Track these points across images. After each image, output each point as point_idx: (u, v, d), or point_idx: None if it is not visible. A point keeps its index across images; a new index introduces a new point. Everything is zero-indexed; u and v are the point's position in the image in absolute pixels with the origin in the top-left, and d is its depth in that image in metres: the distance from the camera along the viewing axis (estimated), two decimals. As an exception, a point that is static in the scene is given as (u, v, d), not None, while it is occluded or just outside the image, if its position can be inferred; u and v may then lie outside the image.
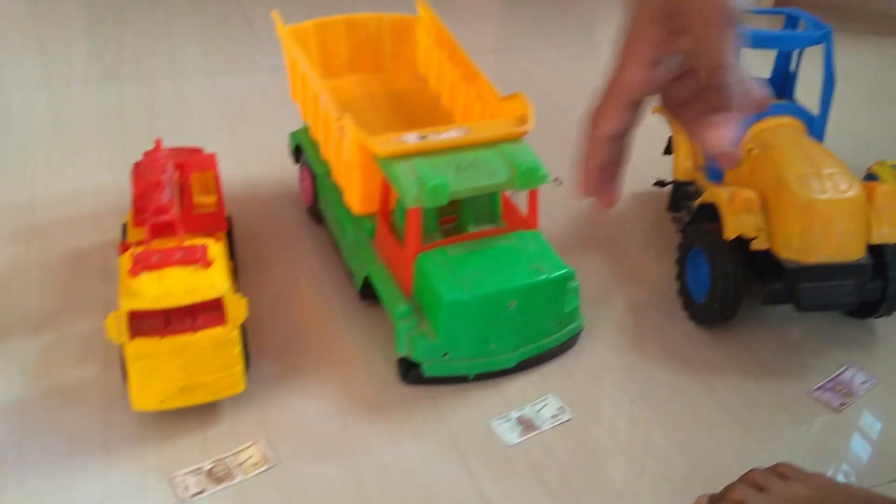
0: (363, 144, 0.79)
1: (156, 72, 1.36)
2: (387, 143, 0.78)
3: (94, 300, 0.85)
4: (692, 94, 0.46)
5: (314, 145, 0.95)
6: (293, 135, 1.01)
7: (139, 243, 0.74)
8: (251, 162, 1.11)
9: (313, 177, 0.95)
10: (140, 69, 1.37)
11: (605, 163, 0.44)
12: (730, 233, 0.79)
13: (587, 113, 0.45)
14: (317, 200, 0.97)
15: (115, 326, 0.66)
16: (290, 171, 1.07)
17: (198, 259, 0.69)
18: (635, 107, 0.45)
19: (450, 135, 0.79)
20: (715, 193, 0.83)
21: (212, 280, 0.68)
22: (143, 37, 1.49)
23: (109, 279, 0.87)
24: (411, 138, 0.78)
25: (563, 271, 0.76)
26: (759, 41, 0.89)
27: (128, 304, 0.66)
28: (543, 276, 0.74)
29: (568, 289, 0.78)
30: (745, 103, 0.43)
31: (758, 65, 1.01)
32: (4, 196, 1.01)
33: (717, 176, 0.90)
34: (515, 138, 0.80)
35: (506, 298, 0.73)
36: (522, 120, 0.82)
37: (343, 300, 0.87)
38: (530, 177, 0.76)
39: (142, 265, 0.67)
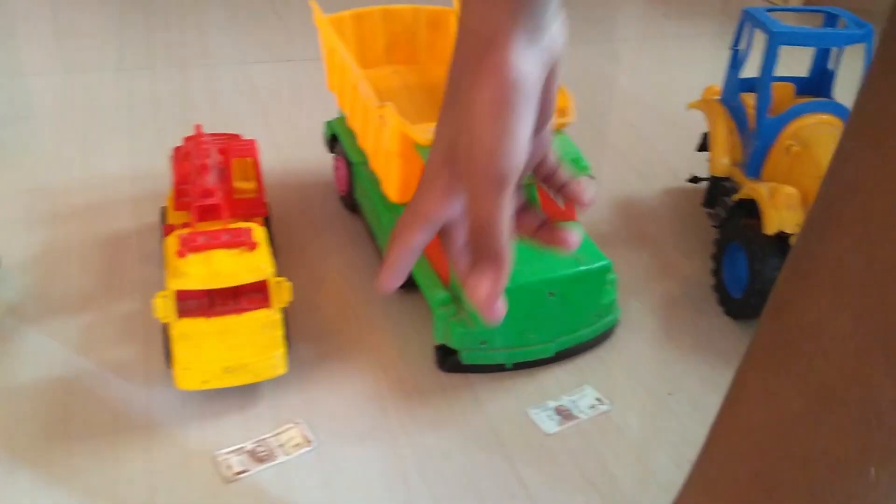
0: (404, 133, 0.79)
1: (186, 60, 1.37)
2: (428, 132, 0.78)
3: (134, 282, 0.86)
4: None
5: (351, 134, 0.95)
6: (328, 124, 1.01)
7: (184, 225, 0.74)
8: (283, 150, 1.12)
9: (349, 165, 0.96)
10: (171, 57, 1.37)
11: (404, 267, 0.48)
12: (771, 228, 0.79)
13: (396, 223, 0.48)
14: (352, 189, 0.97)
15: (163, 306, 0.67)
16: (321, 160, 1.08)
17: (243, 241, 0.69)
18: (435, 227, 0.47)
19: (491, 125, 0.79)
20: (755, 189, 0.83)
21: (257, 262, 0.69)
22: (172, 26, 1.50)
23: (148, 262, 0.88)
24: (453, 127, 0.79)
25: (602, 263, 0.76)
26: (799, 38, 0.89)
27: (175, 284, 0.66)
28: (584, 267, 0.75)
29: (606, 280, 0.78)
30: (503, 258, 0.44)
31: (796, 62, 1.01)
32: (42, 178, 1.02)
33: (755, 172, 0.90)
34: (556, 130, 0.81)
35: (546, 288, 0.73)
36: (563, 112, 0.82)
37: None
38: (572, 168, 0.77)
39: (189, 246, 0.68)
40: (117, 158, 1.08)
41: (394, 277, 0.47)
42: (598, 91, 1.36)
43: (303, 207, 1.01)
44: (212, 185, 0.73)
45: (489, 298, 0.43)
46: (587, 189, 0.47)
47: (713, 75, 1.46)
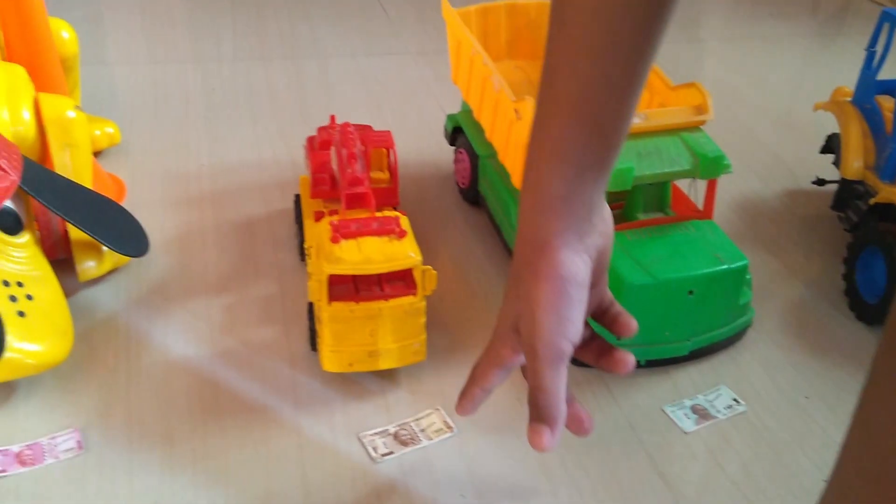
0: (541, 127, 0.80)
1: (299, 52, 1.40)
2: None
3: (269, 266, 0.88)
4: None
5: (477, 127, 0.96)
6: (451, 117, 1.03)
7: (331, 213, 0.77)
8: (399, 142, 1.13)
9: (473, 159, 0.97)
10: (284, 49, 1.41)
11: (482, 400, 0.58)
12: (915, 233, 0.78)
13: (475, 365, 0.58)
14: (474, 182, 0.98)
15: (318, 290, 0.69)
16: (436, 152, 1.09)
17: (393, 230, 0.71)
18: (509, 371, 0.57)
19: (629, 121, 0.79)
20: (894, 193, 0.81)
21: (406, 250, 0.70)
22: (283, 19, 1.53)
23: (281, 247, 0.91)
24: (590, 123, 0.79)
25: (742, 262, 0.75)
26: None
27: (330, 269, 0.68)
28: (725, 266, 0.74)
29: (744, 281, 0.77)
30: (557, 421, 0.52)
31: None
32: (172, 164, 1.06)
33: (891, 176, 0.88)
34: (695, 127, 0.81)
35: (687, 285, 0.73)
36: (700, 109, 0.81)
37: (505, 280, 0.88)
38: (714, 166, 0.76)
39: (342, 233, 0.70)
40: (242, 145, 1.11)
41: (472, 407, 0.58)
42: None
43: (422, 199, 1.02)
44: (360, 174, 0.75)
45: (548, 449, 0.50)
46: (632, 321, 0.58)
47: (814, 76, 1.44)
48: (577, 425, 0.58)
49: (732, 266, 0.75)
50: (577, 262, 0.51)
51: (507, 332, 0.55)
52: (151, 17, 1.51)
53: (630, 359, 0.57)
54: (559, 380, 0.51)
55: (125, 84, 1.26)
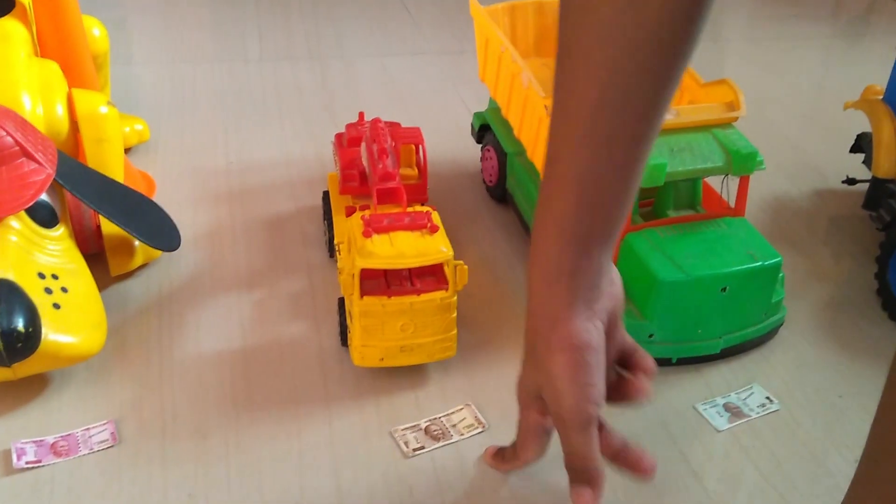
0: (571, 124, 0.79)
1: (325, 52, 1.41)
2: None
3: (298, 262, 0.89)
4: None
5: (505, 124, 0.96)
6: (477, 115, 1.03)
7: (362, 208, 0.77)
8: (426, 139, 1.14)
9: (501, 156, 0.97)
10: (310, 50, 1.41)
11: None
12: (952, 231, 0.77)
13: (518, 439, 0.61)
14: (502, 179, 0.98)
15: (349, 284, 0.69)
16: (462, 150, 1.09)
17: (425, 224, 0.71)
18: (549, 432, 0.59)
19: (660, 118, 0.79)
20: (931, 191, 0.81)
21: (438, 245, 0.70)
22: (308, 20, 1.54)
23: (310, 244, 0.91)
24: (621, 120, 0.79)
25: (776, 259, 0.75)
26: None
27: (362, 263, 0.68)
28: (759, 263, 0.74)
29: (777, 278, 0.77)
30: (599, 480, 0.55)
31: None
32: (202, 162, 1.07)
33: (925, 174, 0.88)
34: (726, 123, 0.80)
35: (720, 282, 0.73)
36: (732, 105, 0.81)
37: (533, 277, 0.88)
38: (747, 162, 0.76)
39: (374, 227, 0.70)
40: (270, 143, 1.12)
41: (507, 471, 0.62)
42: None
43: (448, 196, 1.02)
44: (392, 170, 0.75)
45: None
46: (652, 362, 0.59)
47: (839, 76, 1.43)
48: (637, 467, 0.58)
49: (766, 263, 0.74)
50: (590, 328, 0.52)
51: (531, 399, 0.57)
52: (177, 19, 1.52)
53: (650, 462, 0.59)
54: (591, 442, 0.54)
55: (152, 83, 1.27)
